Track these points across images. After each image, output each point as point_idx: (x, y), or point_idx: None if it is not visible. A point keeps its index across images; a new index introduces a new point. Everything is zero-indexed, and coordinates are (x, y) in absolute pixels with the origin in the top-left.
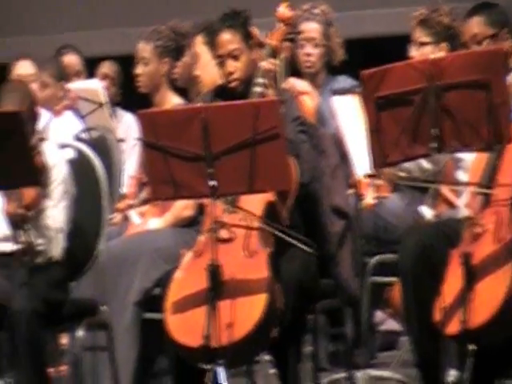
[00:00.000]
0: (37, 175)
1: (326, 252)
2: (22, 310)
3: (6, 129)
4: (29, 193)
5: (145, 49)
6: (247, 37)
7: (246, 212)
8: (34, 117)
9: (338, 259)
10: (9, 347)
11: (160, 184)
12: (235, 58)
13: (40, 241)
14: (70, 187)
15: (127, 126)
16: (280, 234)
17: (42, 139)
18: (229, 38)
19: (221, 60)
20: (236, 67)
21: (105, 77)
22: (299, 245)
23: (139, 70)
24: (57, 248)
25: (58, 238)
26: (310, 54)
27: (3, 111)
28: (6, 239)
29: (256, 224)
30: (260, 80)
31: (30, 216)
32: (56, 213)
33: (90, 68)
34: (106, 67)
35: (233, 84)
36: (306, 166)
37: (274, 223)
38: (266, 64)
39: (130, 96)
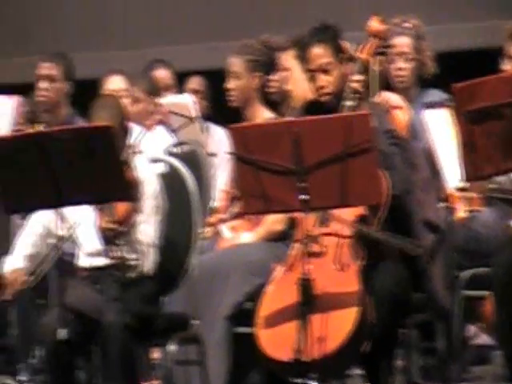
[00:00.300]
0: (129, 190)
1: (417, 266)
2: (114, 325)
3: (97, 143)
4: (121, 208)
5: (236, 63)
6: (338, 51)
7: (340, 220)
8: (125, 131)
9: (430, 273)
10: (101, 361)
11: (251, 198)
12: (326, 72)
13: (132, 256)
14: (161, 202)
15: (218, 140)
16: (382, 238)
17: (133, 154)
18: (320, 52)
19: (312, 74)
20: (327, 81)
21: (193, 91)
22: (403, 245)
23: (230, 84)
24: (149, 263)
25: (150, 253)
26: (402, 68)
27: (95, 125)
28: (98, 254)
29: (349, 233)
30: (351, 94)
31: (122, 231)
32: (148, 227)
33: (180, 82)
34: (195, 82)
35: (324, 98)
36: (398, 177)
37: (365, 236)
38: (356, 78)
39: (219, 110)
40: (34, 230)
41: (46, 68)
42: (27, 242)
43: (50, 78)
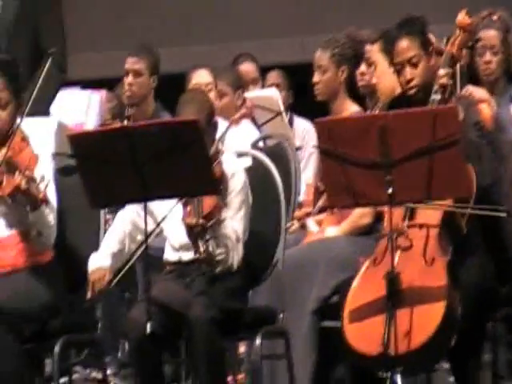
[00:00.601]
0: (215, 184)
1: (504, 259)
2: (201, 319)
3: (184, 138)
4: (208, 202)
5: (322, 57)
6: (425, 43)
7: (429, 206)
8: (212, 126)
9: None
10: (187, 356)
11: (337, 192)
12: (414, 65)
13: (219, 250)
14: (248, 196)
15: (304, 134)
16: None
17: (220, 148)
18: (407, 45)
19: (399, 67)
20: (414, 74)
21: (274, 85)
22: (495, 213)
23: (316, 78)
24: (235, 257)
25: (236, 248)
26: (490, 61)
27: (182, 120)
28: (185, 248)
29: (436, 223)
30: (439, 87)
31: (209, 226)
32: (235, 222)
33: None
34: (274, 76)
35: (411, 91)
36: (486, 169)
37: (452, 231)
38: (444, 71)
39: (305, 105)
40: (121, 227)
41: (133, 63)
42: (114, 239)
43: (137, 73)
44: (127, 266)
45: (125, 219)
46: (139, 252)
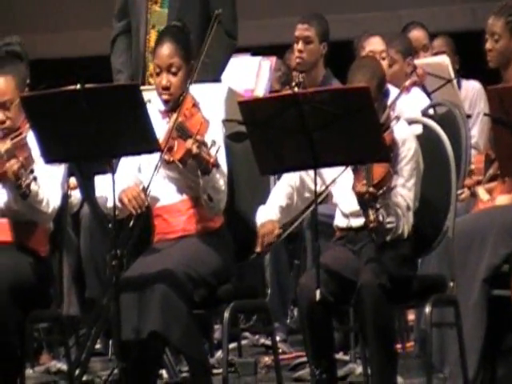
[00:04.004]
0: (386, 152)
1: None
2: (370, 286)
3: (355, 105)
4: (378, 170)
5: (496, 24)
6: None
7: None
8: (383, 93)
9: None
10: (357, 323)
11: (508, 160)
12: None
13: (389, 219)
14: (418, 164)
15: (473, 92)
16: None
17: (391, 116)
18: None
19: None
20: None
21: (441, 53)
22: None
23: (489, 45)
24: (406, 226)
25: (407, 216)
26: None
27: (352, 87)
28: (355, 215)
29: None
30: None
31: (379, 194)
32: (405, 190)
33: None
34: (441, 43)
35: None
36: None
37: None
38: None
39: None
40: (290, 181)
41: (303, 30)
42: (282, 193)
43: (306, 40)
44: (297, 223)
45: (293, 175)
46: (308, 211)
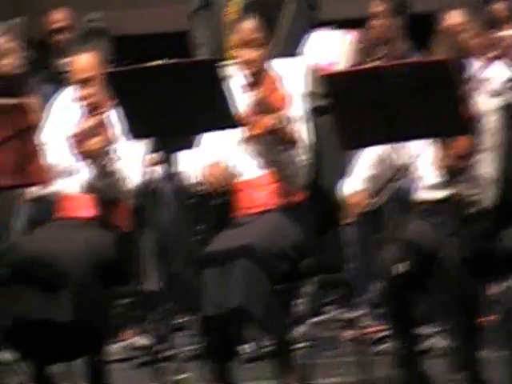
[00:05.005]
0: (468, 125)
1: None
2: (453, 259)
3: (435, 77)
4: (462, 143)
5: None
6: None
7: None
8: (463, 65)
9: None
10: (439, 296)
11: None
12: None
13: (472, 191)
14: (502, 136)
15: None
16: None
17: (473, 88)
18: None
19: None
20: None
21: None
22: None
23: None
24: (489, 198)
25: (490, 188)
26: None
27: (431, 60)
28: (437, 187)
29: None
30: None
31: (463, 167)
32: (488, 162)
33: None
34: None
35: None
36: None
37: None
38: None
39: None
40: (374, 151)
41: (376, 5)
42: (367, 163)
43: (381, 14)
44: (383, 196)
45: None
46: (394, 180)
